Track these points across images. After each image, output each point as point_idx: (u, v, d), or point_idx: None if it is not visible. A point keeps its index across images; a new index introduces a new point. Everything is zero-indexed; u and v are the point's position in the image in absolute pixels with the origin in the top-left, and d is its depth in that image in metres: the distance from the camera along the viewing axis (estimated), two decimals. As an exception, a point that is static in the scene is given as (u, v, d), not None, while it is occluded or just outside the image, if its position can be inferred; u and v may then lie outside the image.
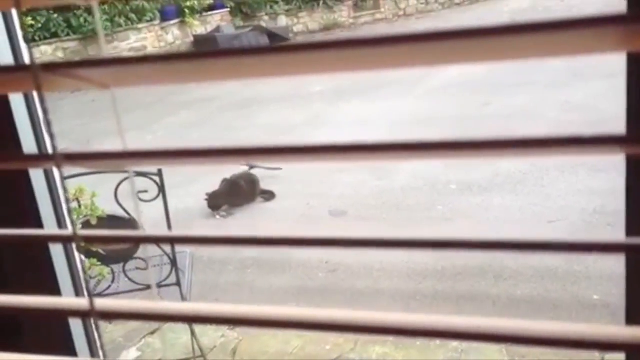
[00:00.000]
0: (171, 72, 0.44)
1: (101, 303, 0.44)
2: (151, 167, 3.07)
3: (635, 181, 0.51)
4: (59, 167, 0.44)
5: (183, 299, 3.17)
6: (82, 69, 0.43)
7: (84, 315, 0.42)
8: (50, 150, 0.43)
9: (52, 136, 0.42)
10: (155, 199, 3.08)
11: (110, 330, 3.69)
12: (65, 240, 0.72)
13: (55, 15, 12.62)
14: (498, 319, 0.38)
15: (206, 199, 5.45)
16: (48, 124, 0.42)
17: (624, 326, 0.36)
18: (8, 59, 0.69)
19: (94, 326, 0.80)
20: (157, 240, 0.46)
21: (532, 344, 0.35)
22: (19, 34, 0.67)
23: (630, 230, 0.50)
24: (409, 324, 0.39)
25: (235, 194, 5.52)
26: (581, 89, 7.67)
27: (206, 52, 0.40)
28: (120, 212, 3.22)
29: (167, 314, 0.42)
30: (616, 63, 0.68)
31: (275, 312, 0.41)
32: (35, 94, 0.69)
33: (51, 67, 0.43)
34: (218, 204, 5.47)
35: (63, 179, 0.43)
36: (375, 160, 0.41)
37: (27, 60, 0.72)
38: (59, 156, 0.43)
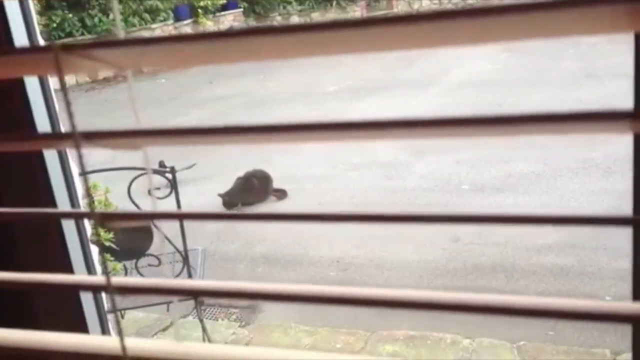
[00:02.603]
0: (187, 53, 0.45)
1: (117, 279, 0.45)
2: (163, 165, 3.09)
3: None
4: (78, 146, 0.46)
5: (195, 295, 3.19)
6: (100, 49, 0.44)
7: (101, 289, 0.43)
8: (68, 130, 0.45)
9: (71, 115, 0.43)
10: (167, 196, 3.10)
11: (123, 327, 3.70)
12: (83, 217, 0.73)
13: (70, 15, 12.72)
14: (509, 295, 0.38)
15: (224, 201, 5.48)
16: (67, 103, 0.43)
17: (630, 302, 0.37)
18: (24, 44, 0.70)
19: (105, 303, 0.81)
20: (170, 217, 0.47)
21: (544, 316, 0.36)
22: (34, 20, 0.69)
23: (638, 207, 0.50)
24: (416, 299, 0.40)
25: (249, 191, 5.54)
26: (595, 89, 7.64)
27: (223, 32, 0.41)
28: (133, 209, 3.25)
29: (180, 289, 0.43)
30: (627, 64, 0.68)
31: (279, 287, 0.42)
32: (49, 77, 0.70)
33: (70, 48, 0.44)
34: (233, 202, 5.50)
35: (81, 157, 0.44)
36: (384, 139, 0.42)
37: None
38: (77, 135, 0.44)
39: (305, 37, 0.40)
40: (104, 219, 0.43)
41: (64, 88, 0.42)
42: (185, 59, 0.45)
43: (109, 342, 0.49)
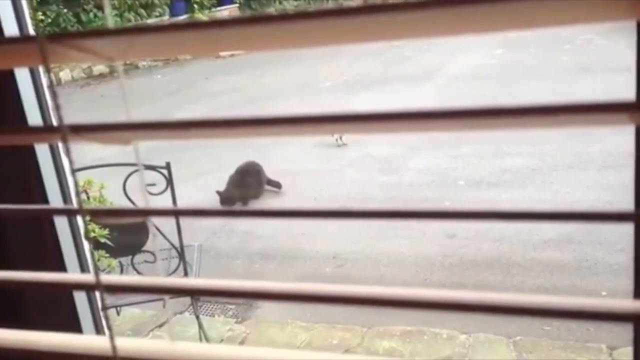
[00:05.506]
0: (176, 43, 0.43)
1: (106, 278, 0.44)
2: (159, 160, 3.08)
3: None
4: (65, 140, 0.44)
5: (190, 291, 3.18)
6: (88, 39, 0.42)
7: (90, 288, 0.42)
8: (56, 123, 0.43)
9: (57, 107, 0.42)
10: (163, 192, 3.09)
11: (119, 324, 3.70)
12: (71, 213, 0.72)
13: (65, 10, 12.66)
14: (509, 294, 0.37)
15: (221, 198, 5.45)
16: (54, 95, 0.42)
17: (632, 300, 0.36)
18: (14, 32, 0.69)
19: (100, 304, 0.80)
20: (158, 213, 0.46)
21: (544, 315, 0.35)
22: (26, 12, 0.67)
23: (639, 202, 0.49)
24: (410, 297, 0.39)
25: (244, 186, 5.52)
26: (590, 84, 7.64)
27: (211, 21, 0.40)
28: (128, 205, 3.23)
29: (170, 288, 0.42)
30: (622, 59, 0.67)
31: (268, 286, 0.41)
32: (41, 68, 0.68)
33: (57, 38, 0.42)
34: (230, 198, 5.48)
35: (69, 151, 0.43)
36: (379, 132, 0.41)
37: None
38: (65, 128, 0.43)
39: (297, 26, 0.39)
40: (92, 216, 0.42)
41: (50, 79, 0.40)
42: (175, 48, 0.44)
43: (100, 342, 0.48)
